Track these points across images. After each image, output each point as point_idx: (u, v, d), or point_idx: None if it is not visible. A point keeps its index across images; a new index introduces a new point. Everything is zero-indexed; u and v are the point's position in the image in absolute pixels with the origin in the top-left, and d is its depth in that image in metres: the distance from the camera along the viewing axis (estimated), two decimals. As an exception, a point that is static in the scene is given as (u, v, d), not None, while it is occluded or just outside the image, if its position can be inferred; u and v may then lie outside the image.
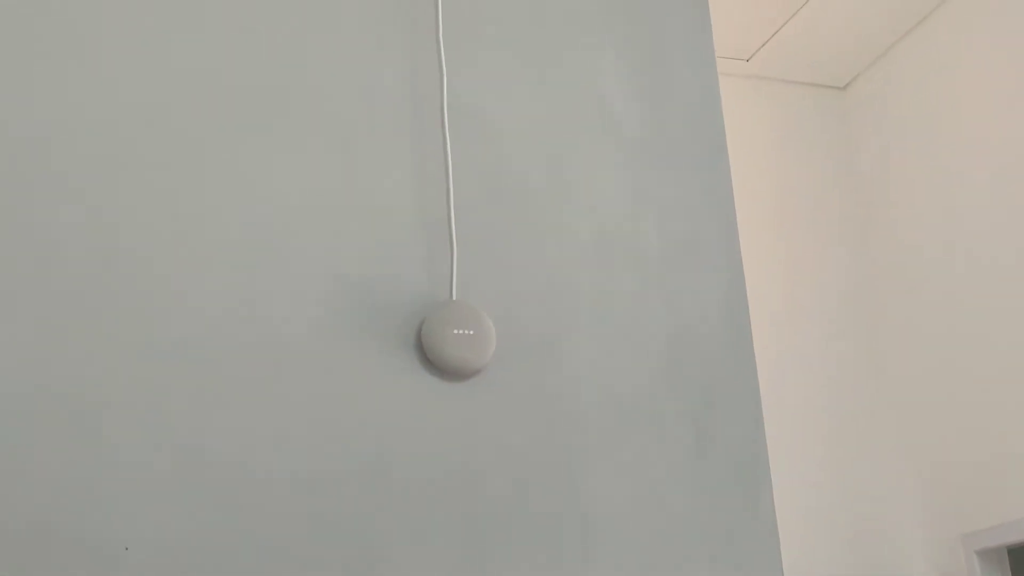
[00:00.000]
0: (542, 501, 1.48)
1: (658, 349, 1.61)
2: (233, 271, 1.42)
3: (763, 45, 4.85)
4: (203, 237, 1.43)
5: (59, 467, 1.28)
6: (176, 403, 1.35)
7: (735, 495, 1.58)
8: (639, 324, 1.61)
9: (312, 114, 1.53)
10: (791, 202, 5.22)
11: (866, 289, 5.23)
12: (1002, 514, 4.53)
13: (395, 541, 1.39)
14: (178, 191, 1.43)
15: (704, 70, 1.80)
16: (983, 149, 4.65)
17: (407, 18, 1.62)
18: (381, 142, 1.55)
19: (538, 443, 1.50)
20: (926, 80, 4.94)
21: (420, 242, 1.53)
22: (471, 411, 1.48)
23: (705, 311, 1.66)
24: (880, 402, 5.12)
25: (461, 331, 1.48)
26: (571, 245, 1.61)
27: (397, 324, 1.48)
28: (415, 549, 1.40)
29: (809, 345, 5.00)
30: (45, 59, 1.42)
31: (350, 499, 1.39)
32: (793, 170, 5.26)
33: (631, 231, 1.66)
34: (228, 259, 1.43)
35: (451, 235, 1.54)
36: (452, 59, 1.63)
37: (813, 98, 5.35)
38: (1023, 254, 4.45)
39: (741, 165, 5.05)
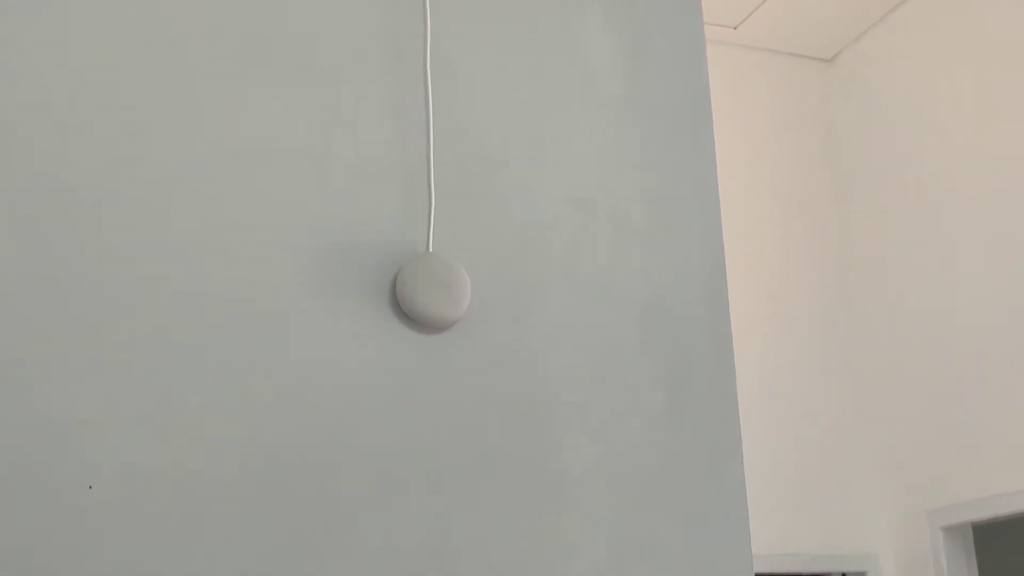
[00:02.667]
0: (514, 457, 1.47)
1: (634, 312, 1.60)
2: (207, 221, 1.41)
3: (752, 13, 4.83)
4: (176, 185, 1.41)
5: (25, 406, 1.27)
6: (145, 348, 1.34)
7: (705, 461, 1.58)
8: (616, 286, 1.60)
9: (292, 64, 1.51)
10: (771, 171, 5.22)
11: (845, 263, 5.24)
12: (968, 491, 4.57)
13: (366, 493, 1.38)
14: (151, 138, 1.41)
15: (691, 32, 1.78)
16: (967, 126, 4.65)
17: (393, -35, 1.60)
18: (361, 94, 1.53)
19: (511, 399, 1.49)
20: (912, 55, 4.93)
21: (398, 194, 1.51)
22: (445, 364, 1.47)
23: (683, 276, 1.65)
24: (851, 379, 5.14)
25: (436, 283, 1.46)
26: (550, 204, 1.60)
27: (372, 275, 1.47)
28: (385, 502, 1.39)
29: (783, 317, 5.02)
30: (17, 4, 1.40)
31: (322, 450, 1.38)
32: (775, 140, 5.26)
33: (611, 193, 1.64)
34: (201, 209, 1.41)
35: (430, 187, 1.53)
36: (437, 13, 1.60)
37: (798, 69, 5.33)
38: (1003, 231, 4.46)
39: (722, 132, 5.04)
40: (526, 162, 1.60)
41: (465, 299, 1.48)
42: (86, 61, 1.41)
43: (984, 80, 4.56)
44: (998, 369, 4.42)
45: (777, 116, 5.27)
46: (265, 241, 1.43)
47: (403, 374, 1.45)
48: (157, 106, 1.42)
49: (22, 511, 1.24)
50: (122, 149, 1.40)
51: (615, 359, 1.57)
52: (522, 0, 1.67)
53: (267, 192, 1.45)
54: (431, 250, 1.50)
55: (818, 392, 5.05)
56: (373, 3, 1.57)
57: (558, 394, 1.52)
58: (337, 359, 1.42)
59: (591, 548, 1.47)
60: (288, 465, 1.36)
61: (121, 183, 1.38)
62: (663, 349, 1.60)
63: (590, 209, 1.62)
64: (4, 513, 1.23)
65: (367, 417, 1.41)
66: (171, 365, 1.34)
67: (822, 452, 4.99)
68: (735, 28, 4.93)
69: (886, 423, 4.97)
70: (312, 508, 1.36)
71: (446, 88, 1.58)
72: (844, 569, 4.96)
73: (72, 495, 1.26)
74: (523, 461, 1.48)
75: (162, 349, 1.34)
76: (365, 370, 1.43)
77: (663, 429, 1.57)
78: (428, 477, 1.42)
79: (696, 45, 1.77)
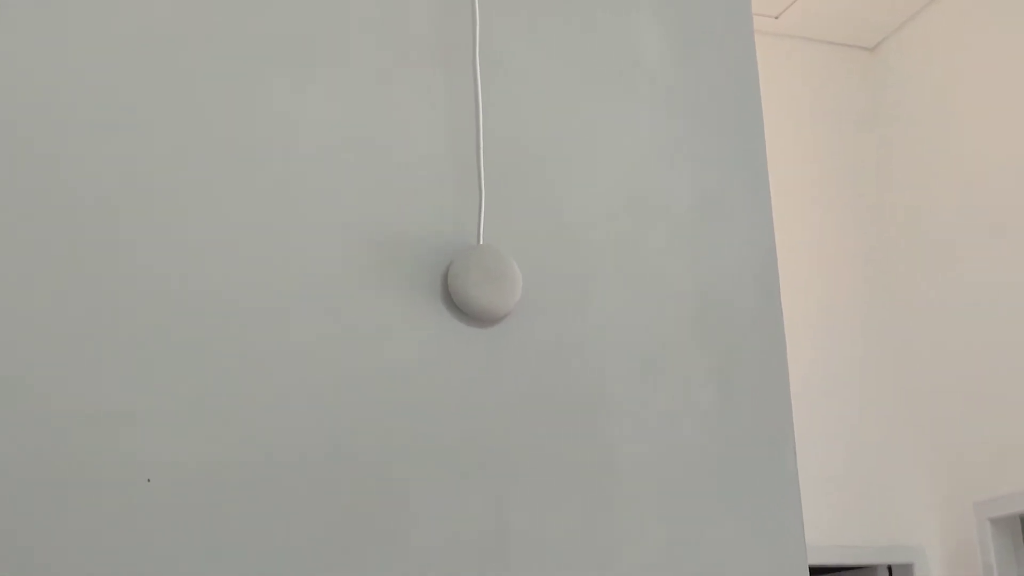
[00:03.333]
0: (565, 450, 1.47)
1: (685, 303, 1.60)
2: (257, 214, 1.41)
3: (793, 2, 4.80)
4: (227, 178, 1.41)
5: (81, 399, 1.28)
6: (200, 339, 1.35)
7: (758, 454, 1.57)
8: (666, 278, 1.60)
9: (342, 56, 1.51)
10: (813, 160, 5.18)
11: (889, 253, 5.20)
12: (1016, 483, 4.52)
13: (416, 486, 1.39)
14: (203, 131, 1.42)
15: (739, 25, 1.77)
16: (1011, 116, 4.60)
17: (441, -41, 1.60)
18: (410, 86, 1.53)
19: (562, 392, 1.49)
20: (955, 44, 4.89)
21: (448, 187, 1.51)
22: (496, 357, 1.47)
23: (734, 269, 1.64)
24: (898, 369, 5.10)
25: (488, 276, 1.46)
26: (600, 196, 1.60)
27: (424, 268, 1.47)
28: (436, 494, 1.39)
29: (828, 309, 4.99)
30: (76, -12, 1.41)
31: (373, 440, 1.38)
32: (817, 129, 5.22)
33: (661, 184, 1.64)
34: (252, 202, 1.42)
35: (480, 180, 1.52)
36: (485, 6, 1.60)
37: (841, 58, 5.30)
38: (1048, 222, 4.41)
39: (765, 123, 5.01)
40: (576, 155, 1.60)
41: (516, 292, 1.48)
42: (133, 50, 1.42)
43: (1030, 67, 4.51)
44: (1046, 359, 4.38)
45: (819, 105, 5.23)
46: (315, 235, 1.43)
47: (454, 366, 1.45)
48: (205, 100, 1.43)
49: (73, 506, 1.25)
50: (169, 143, 1.40)
51: (666, 352, 1.57)
52: (571, -8, 1.67)
53: (317, 186, 1.45)
54: (482, 243, 1.50)
55: (864, 384, 5.02)
56: (422, -4, 1.57)
57: (609, 387, 1.52)
58: (388, 352, 1.42)
59: (644, 541, 1.47)
60: (340, 457, 1.36)
61: (173, 174, 1.39)
62: (715, 342, 1.60)
63: (640, 202, 1.62)
64: (53, 508, 1.25)
65: (418, 409, 1.41)
66: (220, 359, 1.35)
67: (868, 444, 4.96)
68: (776, 17, 4.91)
69: (933, 414, 4.94)
70: (363, 501, 1.36)
71: (495, 81, 1.58)
72: (890, 561, 4.93)
73: (124, 489, 1.27)
74: (574, 454, 1.47)
75: (210, 343, 1.35)
76: (416, 363, 1.43)
77: (715, 422, 1.56)
78: (479, 470, 1.42)
79: (745, 37, 1.76)
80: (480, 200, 1.52)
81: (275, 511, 1.32)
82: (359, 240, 1.45)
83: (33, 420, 1.26)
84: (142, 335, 1.33)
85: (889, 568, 5.02)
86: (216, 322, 1.36)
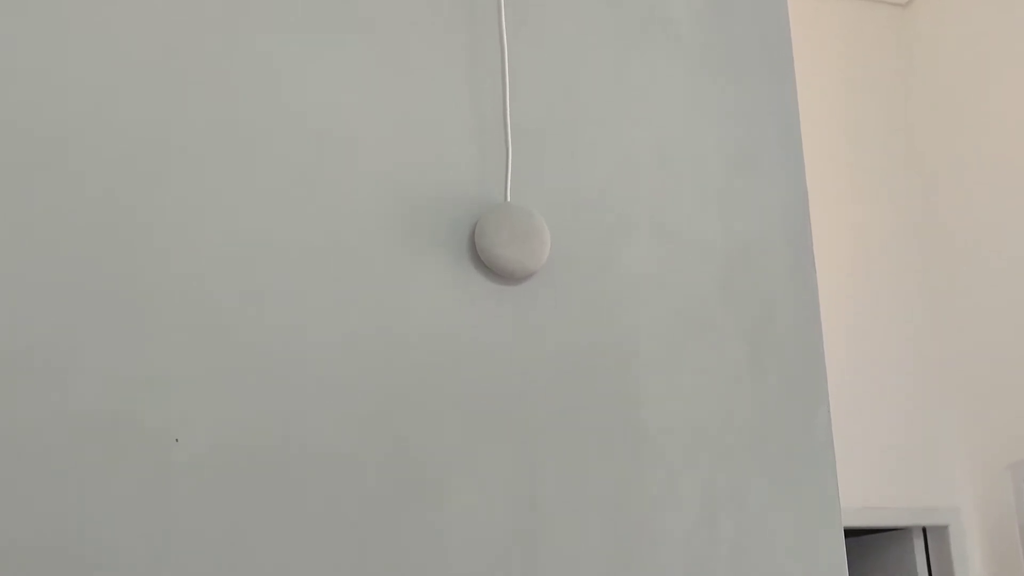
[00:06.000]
0: (596, 410, 1.45)
1: (716, 261, 1.57)
2: (285, 173, 1.40)
3: (825, -41, 4.74)
4: (254, 138, 1.40)
5: (111, 358, 1.28)
6: (228, 301, 1.34)
7: (792, 413, 1.55)
8: (697, 235, 1.57)
9: (366, 15, 1.49)
10: (845, 118, 5.13)
11: (924, 211, 5.15)
12: (1053, 443, 4.49)
13: (445, 444, 1.37)
14: (226, 92, 1.40)
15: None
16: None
17: (466, -88, 1.57)
18: (437, 42, 1.51)
19: (591, 350, 1.47)
20: (989, 0, 4.82)
21: (475, 144, 1.49)
22: (524, 315, 1.45)
23: (766, 226, 1.62)
24: (933, 332, 5.06)
25: (515, 233, 1.44)
26: (629, 153, 1.57)
27: (451, 226, 1.45)
28: (465, 453, 1.38)
29: (863, 268, 4.95)
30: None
31: (401, 401, 1.37)
32: (849, 86, 5.17)
33: (691, 140, 1.61)
34: (280, 161, 1.40)
35: (506, 136, 1.50)
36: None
37: (873, 14, 5.23)
38: (1087, 179, 4.36)
39: (799, 79, 4.97)
40: (604, 111, 1.58)
41: (544, 249, 1.46)
42: (158, 17, 1.40)
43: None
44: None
45: (851, 63, 5.17)
46: (342, 195, 1.41)
47: (482, 325, 1.43)
48: (231, 64, 1.41)
49: (107, 468, 1.25)
50: (193, 104, 1.39)
51: (697, 310, 1.54)
52: (598, -57, 1.64)
53: (344, 145, 1.43)
54: (509, 200, 1.48)
55: (899, 347, 4.98)
56: (446, -50, 1.55)
57: (639, 345, 1.50)
58: (416, 311, 1.41)
59: (679, 501, 1.45)
60: (369, 416, 1.35)
61: (199, 136, 1.38)
62: (747, 300, 1.58)
63: (670, 158, 1.59)
64: (89, 470, 1.24)
65: (447, 368, 1.40)
66: (245, 323, 1.34)
67: (904, 407, 4.93)
68: (809, -26, 4.84)
69: (967, 376, 4.90)
70: (391, 463, 1.35)
71: (521, 37, 1.56)
72: (926, 523, 4.90)
73: (158, 449, 1.26)
74: (605, 413, 1.46)
75: (246, 297, 1.34)
76: (444, 322, 1.42)
77: (748, 380, 1.54)
78: (508, 429, 1.41)
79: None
80: (507, 157, 1.50)
81: (302, 473, 1.31)
82: (384, 199, 1.43)
83: (71, 384, 1.26)
84: (173, 292, 1.32)
85: (924, 530, 5.00)
86: (244, 282, 1.35)
